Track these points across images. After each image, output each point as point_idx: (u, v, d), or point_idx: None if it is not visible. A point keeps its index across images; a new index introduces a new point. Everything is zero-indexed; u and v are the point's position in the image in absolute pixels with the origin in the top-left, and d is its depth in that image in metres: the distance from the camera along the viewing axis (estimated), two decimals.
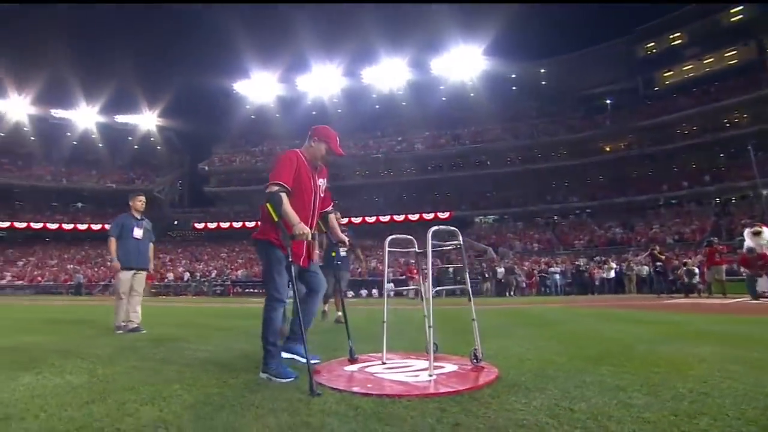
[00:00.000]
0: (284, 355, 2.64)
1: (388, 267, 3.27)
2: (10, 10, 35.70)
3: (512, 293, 17.69)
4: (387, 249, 2.80)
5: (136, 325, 5.01)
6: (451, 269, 17.49)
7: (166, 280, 25.42)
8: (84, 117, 40.63)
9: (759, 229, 8.85)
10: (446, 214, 34.37)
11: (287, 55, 37.47)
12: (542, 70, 37.64)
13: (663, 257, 12.84)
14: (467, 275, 2.84)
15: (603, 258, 19.62)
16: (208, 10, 39.97)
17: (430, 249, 2.60)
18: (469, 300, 2.73)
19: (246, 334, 4.54)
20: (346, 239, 3.19)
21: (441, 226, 2.77)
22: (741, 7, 30.55)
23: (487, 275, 19.39)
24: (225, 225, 37.09)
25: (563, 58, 35.63)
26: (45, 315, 8.31)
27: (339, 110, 39.01)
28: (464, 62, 35.37)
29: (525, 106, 38.01)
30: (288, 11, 37.90)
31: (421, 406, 1.86)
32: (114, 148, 42.21)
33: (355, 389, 2.16)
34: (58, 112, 40.03)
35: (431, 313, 2.54)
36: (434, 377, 2.36)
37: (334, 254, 3.75)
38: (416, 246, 3.11)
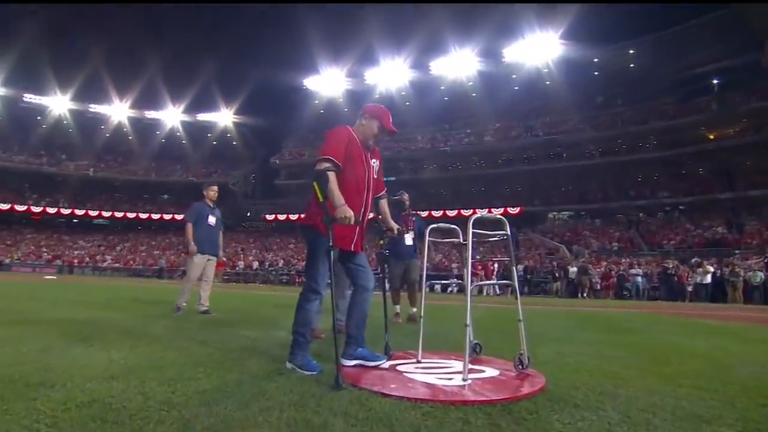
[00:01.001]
0: (348, 363, 2.42)
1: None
2: (104, 12, 40.34)
3: (585, 295, 16.26)
4: (471, 231, 2.31)
5: (206, 308, 5.26)
6: (521, 267, 16.55)
7: (237, 268, 27.23)
8: (170, 117, 44.91)
9: None
10: (516, 209, 32.67)
11: (355, 50, 37.94)
12: (630, 51, 33.73)
13: None
14: (514, 270, 2.49)
15: (698, 260, 17.20)
16: (278, 7, 41.69)
17: (471, 239, 2.30)
18: (516, 298, 2.39)
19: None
20: (395, 227, 2.94)
21: (486, 214, 2.46)
22: None
23: (557, 275, 18.06)
24: (294, 217, 38.84)
25: (655, 37, 31.57)
26: (128, 294, 9.25)
27: (407, 103, 38.69)
28: (539, 48, 33.04)
29: (608, 93, 34.68)
30: (356, 6, 38.32)
31: (442, 414, 1.61)
32: (195, 144, 45.96)
33: (376, 389, 1.96)
34: (150, 113, 44.84)
35: (470, 309, 2.24)
36: (469, 382, 2.07)
37: (382, 242, 3.63)
38: (460, 237, 2.80)
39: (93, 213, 41.07)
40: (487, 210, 32.87)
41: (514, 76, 36.24)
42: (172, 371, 2.16)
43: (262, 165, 46.81)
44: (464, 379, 2.09)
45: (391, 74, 37.75)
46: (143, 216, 41.51)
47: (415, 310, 5.08)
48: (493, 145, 36.45)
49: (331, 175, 2.29)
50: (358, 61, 38.27)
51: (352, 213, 2.23)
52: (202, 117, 45.62)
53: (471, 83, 37.13)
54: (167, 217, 40.55)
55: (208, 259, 5.36)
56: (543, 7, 31.40)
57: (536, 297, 16.21)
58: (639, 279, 16.19)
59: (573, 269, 17.57)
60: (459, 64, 35.80)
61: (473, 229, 2.31)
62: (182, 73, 42.07)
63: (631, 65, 34.53)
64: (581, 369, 2.42)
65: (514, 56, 34.47)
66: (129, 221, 41.58)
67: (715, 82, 31.95)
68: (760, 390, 2.08)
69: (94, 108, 43.05)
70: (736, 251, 20.64)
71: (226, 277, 24.30)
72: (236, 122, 46.02)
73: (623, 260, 20.28)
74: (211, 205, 5.48)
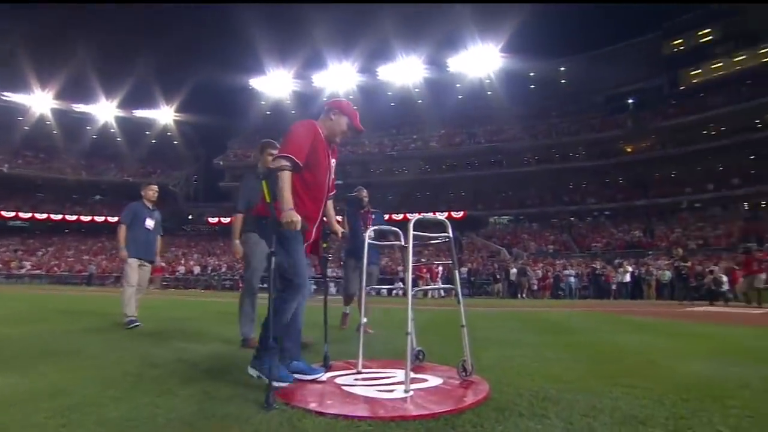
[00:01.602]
0: (251, 372, 2.19)
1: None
2: (33, 6, 36.47)
3: (524, 295, 17.06)
4: (411, 233, 2.21)
5: (131, 318, 4.71)
6: (464, 270, 16.95)
7: (176, 274, 25.56)
8: (104, 111, 41.32)
9: None
10: (460, 214, 33.76)
11: (303, 52, 37.38)
12: (562, 68, 36.59)
13: (688, 264, 12.11)
14: (457, 274, 2.42)
15: (620, 261, 18.77)
16: (225, 7, 40.10)
17: (411, 241, 2.19)
18: (458, 303, 2.32)
19: (226, 335, 4.20)
20: (340, 231, 2.75)
21: (427, 216, 2.38)
22: None
23: (499, 276, 18.79)
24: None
25: (584, 56, 34.56)
26: (46, 304, 8.21)
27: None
28: (482, 60, 34.61)
29: (544, 105, 37.02)
30: (304, 8, 37.76)
31: None
32: (132, 142, 42.69)
33: (311, 406, 1.78)
34: (79, 107, 40.81)
35: (411, 316, 2.14)
36: (410, 394, 1.95)
37: (326, 245, 3.34)
38: (402, 239, 2.71)
39: (8, 214, 36.62)
40: (431, 215, 33.57)
41: (458, 85, 37.59)
42: (75, 397, 1.85)
43: (205, 166, 44.77)
44: (406, 391, 1.97)
45: (339, 78, 37.56)
46: (71, 218, 37.74)
47: (366, 320, 4.88)
48: (439, 151, 37.45)
49: (285, 175, 2.09)
50: (306, 63, 37.79)
51: (299, 218, 2.03)
52: (140, 113, 42.48)
53: (417, 90, 37.97)
54: (99, 219, 37.33)
55: (142, 265, 4.82)
56: (484, 20, 32.88)
57: (479, 298, 16.71)
58: (572, 279, 17.30)
59: (513, 271, 18.37)
60: (406, 71, 36.48)
61: (414, 231, 2.22)
62: (116, 65, 38.96)
63: (563, 81, 37.37)
64: (524, 373, 2.40)
65: (458, 66, 35.79)
66: (54, 223, 37.56)
67: (630, 101, 35.43)
68: (685, 385, 2.17)
69: (10, 97, 38.32)
70: (650, 253, 22.82)
71: (165, 283, 22.73)
72: (177, 120, 43.44)
73: (558, 262, 21.58)
74: (150, 207, 4.96)
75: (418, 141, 38.61)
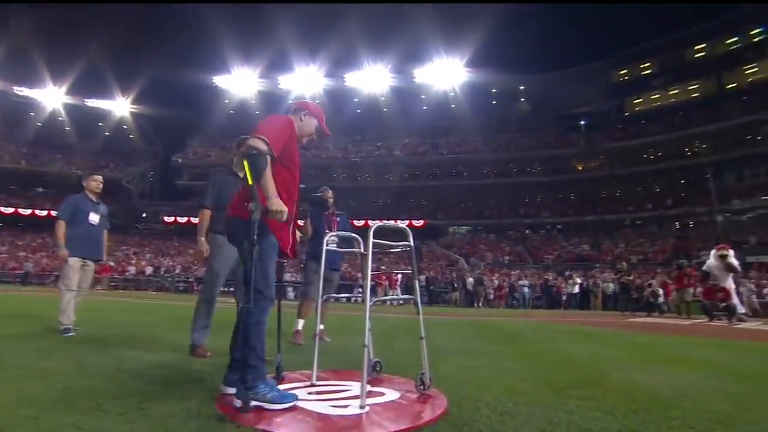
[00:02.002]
0: (229, 391, 1.98)
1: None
2: None
3: (480, 304, 17.44)
4: (371, 240, 2.16)
5: (66, 326, 4.26)
6: (423, 278, 17.05)
7: (126, 274, 23.99)
8: (51, 97, 38.28)
9: (725, 252, 8.88)
10: (420, 222, 34.22)
11: (269, 53, 36.79)
12: (522, 87, 38.41)
13: (630, 278, 12.92)
14: (417, 283, 2.38)
15: (570, 273, 19.71)
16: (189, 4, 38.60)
17: (371, 249, 2.13)
18: (418, 313, 2.27)
19: (177, 342, 3.92)
20: (298, 234, 2.60)
21: (388, 223, 2.33)
22: (704, 45, 32.31)
23: (456, 285, 19.10)
24: (196, 220, 35.54)
25: (542, 77, 36.50)
26: None
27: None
28: (447, 73, 35.55)
29: (504, 120, 38.47)
30: (272, 9, 37.14)
31: None
32: (83, 133, 39.82)
33: (261, 426, 1.66)
34: (21, 90, 37.51)
35: (368, 326, 2.06)
36: (366, 410, 1.87)
37: None
38: (361, 246, 2.64)
39: None
40: (392, 222, 33.82)
41: (423, 96, 38.35)
42: None
43: (163, 163, 42.69)
44: (362, 406, 1.89)
45: (305, 81, 37.19)
46: (7, 210, 34.53)
47: (322, 327, 4.70)
48: (402, 160, 37.87)
49: (267, 159, 1.91)
50: (272, 64, 37.22)
51: (285, 208, 1.93)
52: (93, 103, 39.65)
53: (383, 98, 38.34)
54: (41, 213, 34.21)
55: (84, 265, 4.31)
56: (450, 34, 33.84)
57: (437, 306, 16.88)
58: (526, 290, 17.89)
59: (470, 280, 18.75)
60: (373, 79, 36.72)
61: (375, 238, 2.16)
62: (67, 47, 36.03)
63: (522, 98, 39.20)
64: (482, 385, 2.38)
65: (424, 77, 36.57)
66: None
67: (582, 122, 37.73)
68: (632, 395, 2.24)
69: None
70: (596, 265, 24.16)
71: (113, 284, 21.22)
72: (134, 113, 41.05)
73: (513, 272, 22.29)
74: (94, 200, 4.45)
75: (382, 149, 38.86)
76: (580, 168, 35.30)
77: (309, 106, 2.37)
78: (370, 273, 2.17)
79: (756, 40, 30.69)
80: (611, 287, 16.01)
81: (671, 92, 34.43)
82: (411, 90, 37.69)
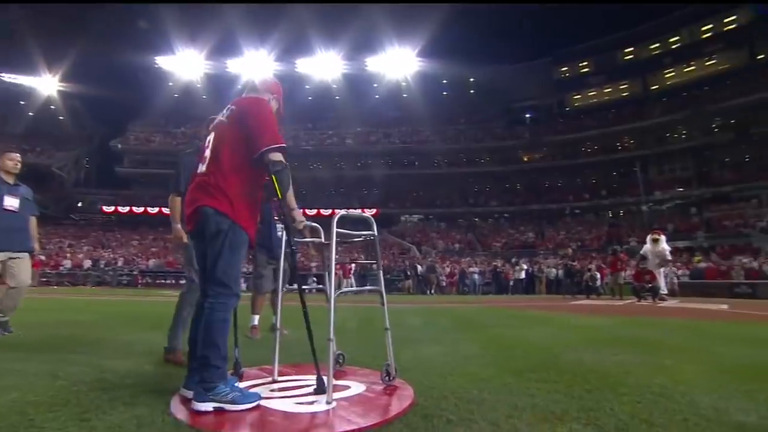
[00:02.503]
0: (203, 407, 1.76)
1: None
2: None
3: (432, 291, 17.89)
4: (335, 230, 2.10)
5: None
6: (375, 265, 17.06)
7: (61, 268, 21.91)
8: None
9: (657, 236, 9.79)
10: (373, 211, 34.26)
11: (217, 35, 34.39)
12: (471, 79, 39.39)
13: (575, 264, 13.87)
14: (381, 274, 2.35)
15: (517, 260, 20.73)
16: None
17: (334, 239, 2.06)
18: (382, 304, 2.25)
19: (124, 343, 3.61)
20: None
21: (351, 212, 2.28)
22: (631, 49, 35.18)
23: (409, 273, 19.43)
24: (139, 210, 33.18)
25: (491, 70, 37.58)
26: None
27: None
28: (399, 63, 35.55)
29: (454, 111, 39.28)
30: None
31: None
32: (2, 113, 35.56)
33: (223, 430, 1.55)
34: None
35: (333, 319, 2.00)
36: (333, 405, 1.82)
37: None
38: (322, 236, 2.56)
39: None
40: (346, 210, 33.73)
41: (375, 85, 38.16)
42: None
43: (100, 148, 39.09)
44: (328, 402, 1.84)
45: (255, 65, 35.54)
46: None
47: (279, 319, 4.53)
48: (354, 148, 37.62)
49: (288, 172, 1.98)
50: (219, 46, 34.99)
51: (305, 220, 2.05)
52: (12, 78, 35.20)
53: (336, 86, 37.65)
54: None
55: (10, 258, 3.73)
56: (402, 24, 33.75)
57: (390, 294, 17.00)
58: (476, 276, 18.58)
59: (422, 268, 19.15)
60: (325, 66, 35.92)
61: (338, 228, 2.10)
62: None
63: (472, 90, 40.26)
64: (445, 373, 2.41)
65: (377, 66, 36.30)
66: None
67: (528, 115, 39.54)
68: (583, 375, 2.38)
69: None
70: (541, 252, 25.63)
71: (45, 279, 19.29)
72: (63, 92, 36.89)
73: (463, 260, 23.05)
74: (10, 182, 3.84)
75: (334, 137, 38.32)
76: (525, 159, 37.01)
77: (273, 87, 2.26)
78: (334, 263, 2.11)
79: (674, 47, 33.80)
80: (554, 273, 17.04)
81: (605, 90, 37.04)
82: (363, 78, 37.36)
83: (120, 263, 23.41)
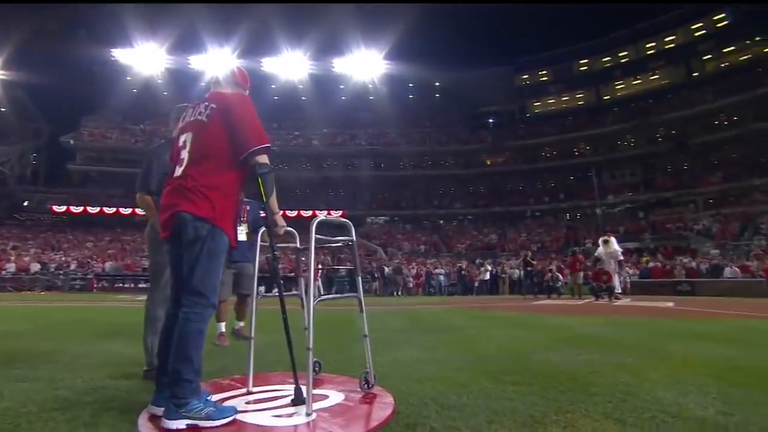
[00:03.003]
0: (175, 425, 1.65)
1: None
2: None
3: (399, 293, 17.99)
4: (314, 236, 2.01)
5: None
6: (343, 271, 16.96)
7: (3, 272, 20.15)
8: None
9: (607, 238, 10.37)
10: (339, 213, 34.13)
11: (179, 30, 32.94)
12: (437, 83, 40.12)
13: (534, 263, 14.43)
14: (359, 280, 2.31)
15: (481, 261, 21.26)
16: None
17: (313, 245, 2.01)
18: (361, 311, 2.22)
19: (79, 355, 3.35)
20: None
21: (329, 217, 2.24)
22: (586, 60, 37.12)
23: (376, 275, 19.45)
24: (94, 210, 31.12)
25: (456, 74, 38.40)
26: None
27: None
28: (366, 64, 35.58)
29: (420, 115, 39.79)
30: None
31: None
32: None
33: None
34: None
35: (311, 327, 1.94)
36: (313, 417, 1.77)
37: None
38: (296, 241, 2.50)
39: None
40: (311, 212, 33.46)
41: (342, 87, 37.99)
42: None
43: (50, 144, 36.41)
44: (308, 414, 1.79)
45: (218, 62, 34.34)
46: None
47: (242, 324, 4.40)
48: (320, 150, 37.31)
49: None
50: (181, 41, 33.51)
51: (285, 224, 2.04)
52: None
53: (302, 87, 37.16)
54: None
55: None
56: (369, 26, 33.82)
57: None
58: (441, 278, 18.86)
59: (389, 270, 19.22)
60: (291, 66, 35.38)
61: (317, 233, 2.05)
62: None
63: (437, 95, 40.98)
64: (423, 378, 2.42)
65: (344, 68, 36.18)
66: None
67: (491, 120, 40.75)
68: (555, 376, 2.46)
69: None
70: (503, 254, 26.44)
71: None
72: (6, 81, 33.96)
73: (429, 261, 23.34)
74: None
75: (299, 138, 37.82)
76: (488, 163, 38.10)
77: (246, 82, 2.17)
78: (313, 268, 2.06)
79: (623, 61, 36.06)
80: (516, 274, 17.59)
81: (563, 98, 38.90)
82: (330, 79, 37.09)
83: (73, 266, 21.88)
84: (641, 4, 34.00)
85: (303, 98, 37.58)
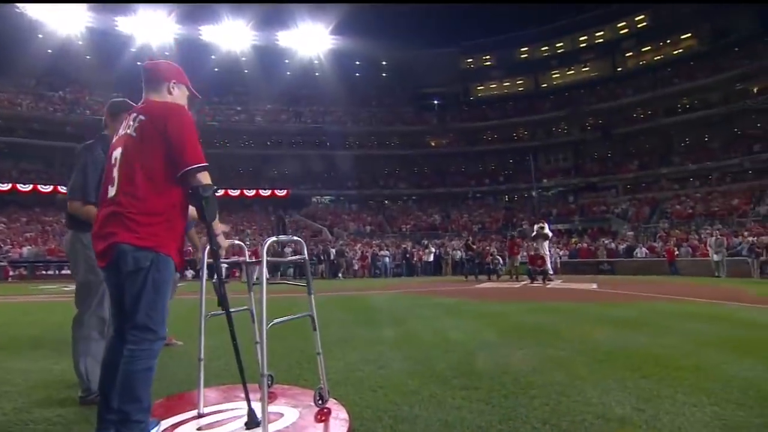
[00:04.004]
0: None
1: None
2: None
3: (343, 275, 18.07)
4: (265, 258, 1.96)
5: None
6: (289, 250, 16.52)
7: None
8: None
9: (543, 224, 11.24)
10: (284, 192, 33.40)
11: None
12: (384, 62, 39.70)
13: (474, 247, 15.16)
14: (313, 299, 2.27)
15: (426, 242, 21.92)
16: None
17: (265, 266, 1.94)
18: (314, 330, 2.21)
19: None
20: None
21: (282, 237, 2.19)
22: (526, 48, 38.75)
23: (322, 257, 19.36)
24: (5, 187, 27.44)
25: (403, 53, 38.15)
26: None
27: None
28: (311, 39, 34.25)
29: (366, 93, 39.31)
30: None
31: None
32: None
33: None
34: None
35: (265, 344, 1.84)
36: None
37: None
38: (245, 254, 2.41)
39: None
40: (254, 192, 32.34)
41: (287, 61, 36.36)
42: None
43: None
44: None
45: (153, 27, 31.17)
46: None
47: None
48: (264, 126, 35.75)
49: None
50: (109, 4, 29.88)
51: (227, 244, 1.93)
52: None
53: (245, 59, 34.92)
54: None
55: None
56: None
57: (302, 279, 16.83)
58: (387, 259, 19.20)
59: (333, 251, 19.20)
60: (233, 36, 33.09)
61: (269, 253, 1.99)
62: None
63: (384, 74, 40.61)
64: (375, 387, 2.48)
65: (289, 42, 34.56)
66: None
67: (435, 102, 41.31)
68: (498, 377, 2.63)
69: None
70: (446, 233, 27.43)
71: None
72: None
73: (374, 242, 23.61)
74: None
75: (242, 114, 35.88)
76: (433, 144, 38.86)
77: (178, 73, 1.91)
78: (265, 297, 1.94)
79: (559, 51, 38.01)
80: (459, 255, 18.38)
81: (505, 84, 40.32)
82: (274, 53, 35.21)
83: None
84: None
85: (245, 71, 35.51)
